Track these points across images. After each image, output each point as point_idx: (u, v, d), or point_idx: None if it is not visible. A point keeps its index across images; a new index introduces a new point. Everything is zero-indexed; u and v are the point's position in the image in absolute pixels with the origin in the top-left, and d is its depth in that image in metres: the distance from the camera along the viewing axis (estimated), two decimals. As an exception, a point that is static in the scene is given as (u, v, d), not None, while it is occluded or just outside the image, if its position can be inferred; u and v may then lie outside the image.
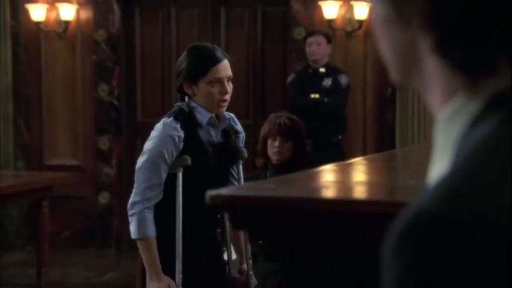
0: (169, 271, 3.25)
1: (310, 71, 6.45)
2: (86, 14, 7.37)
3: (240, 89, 6.29)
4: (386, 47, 0.87)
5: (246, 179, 3.66)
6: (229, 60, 3.33)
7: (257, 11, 7.28)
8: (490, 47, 0.78)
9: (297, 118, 4.38)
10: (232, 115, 3.45)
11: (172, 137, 3.22)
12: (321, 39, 6.41)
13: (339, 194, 2.03)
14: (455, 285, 0.69)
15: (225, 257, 3.47)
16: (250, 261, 3.53)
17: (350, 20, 6.88)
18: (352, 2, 6.84)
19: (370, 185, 2.24)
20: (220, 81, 3.27)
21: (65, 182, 6.43)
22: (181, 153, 3.24)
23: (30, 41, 7.46)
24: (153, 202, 3.22)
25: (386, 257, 0.73)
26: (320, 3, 6.88)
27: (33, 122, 7.52)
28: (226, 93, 3.28)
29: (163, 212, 3.25)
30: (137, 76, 7.52)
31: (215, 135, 3.35)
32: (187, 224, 3.27)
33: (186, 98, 3.33)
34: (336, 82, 6.36)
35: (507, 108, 0.77)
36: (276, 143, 4.23)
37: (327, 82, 6.36)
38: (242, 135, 3.48)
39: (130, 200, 3.25)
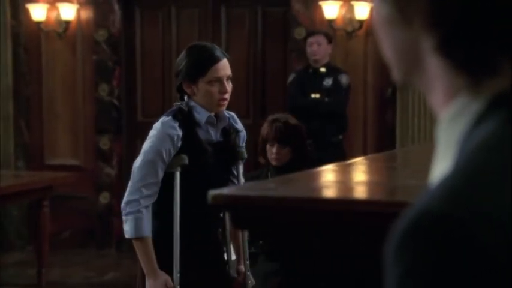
0: (168, 271, 3.25)
1: (310, 71, 6.45)
2: (86, 14, 7.37)
3: (240, 89, 6.30)
4: (388, 47, 0.87)
5: (246, 179, 3.65)
6: (228, 59, 3.32)
7: (257, 11, 7.28)
8: (490, 47, 0.78)
9: (294, 121, 4.33)
10: (233, 114, 3.44)
11: (170, 136, 3.21)
12: (322, 39, 6.41)
13: (339, 194, 2.04)
14: (457, 284, 0.69)
15: (225, 256, 3.47)
16: (248, 262, 3.53)
17: (350, 20, 6.87)
18: (352, 2, 6.84)
19: (371, 185, 2.24)
20: (219, 81, 3.26)
21: (65, 182, 6.43)
22: (180, 152, 3.23)
23: (30, 40, 7.46)
24: (150, 201, 3.21)
25: (388, 257, 0.73)
26: (320, 3, 6.88)
27: (33, 122, 7.51)
28: (225, 92, 3.27)
29: (162, 211, 3.25)
30: (137, 76, 7.51)
31: (214, 134, 3.34)
32: (186, 224, 3.27)
33: (186, 97, 3.32)
34: (336, 82, 6.36)
35: (509, 108, 0.78)
36: (274, 149, 4.21)
37: (328, 82, 6.35)
38: (243, 134, 3.46)
39: (125, 199, 3.21)
